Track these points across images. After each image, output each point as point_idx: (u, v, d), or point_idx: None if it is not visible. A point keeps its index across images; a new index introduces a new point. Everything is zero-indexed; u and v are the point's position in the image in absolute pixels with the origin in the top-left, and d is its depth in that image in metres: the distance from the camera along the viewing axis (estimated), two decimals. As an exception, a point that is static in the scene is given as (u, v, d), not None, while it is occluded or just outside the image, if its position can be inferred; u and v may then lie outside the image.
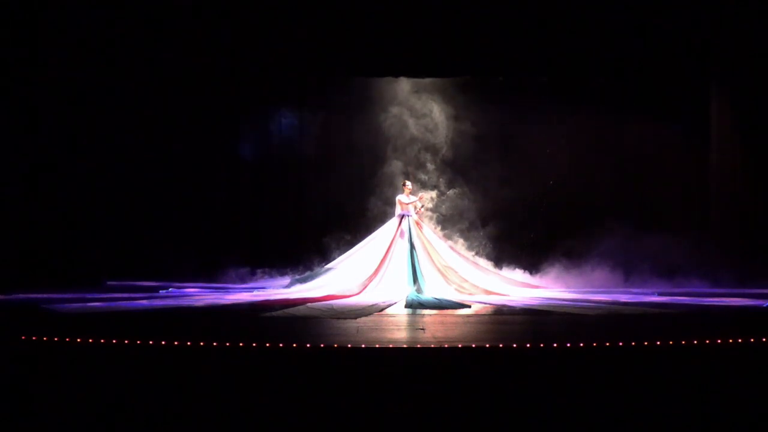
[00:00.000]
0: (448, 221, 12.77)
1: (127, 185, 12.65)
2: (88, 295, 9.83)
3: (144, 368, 5.37)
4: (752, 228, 12.58)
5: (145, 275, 12.23)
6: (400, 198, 11.36)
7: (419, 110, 13.03)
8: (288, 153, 13.49)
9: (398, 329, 6.99)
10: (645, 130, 13.23)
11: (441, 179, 12.95)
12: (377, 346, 5.63)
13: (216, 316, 8.25)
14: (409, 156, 13.07)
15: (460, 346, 5.60)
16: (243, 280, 12.34)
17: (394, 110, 12.99)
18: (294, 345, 5.51)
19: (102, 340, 5.66)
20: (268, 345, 5.49)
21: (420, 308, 8.89)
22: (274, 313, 8.23)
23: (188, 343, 5.52)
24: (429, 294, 10.12)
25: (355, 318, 7.73)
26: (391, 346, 5.67)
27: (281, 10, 11.87)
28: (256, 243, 13.18)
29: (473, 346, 5.60)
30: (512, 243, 12.98)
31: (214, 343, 5.50)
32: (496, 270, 12.12)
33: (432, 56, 12.31)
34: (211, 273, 12.36)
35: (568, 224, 12.81)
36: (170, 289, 11.12)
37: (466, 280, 10.92)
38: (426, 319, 7.81)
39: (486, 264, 12.16)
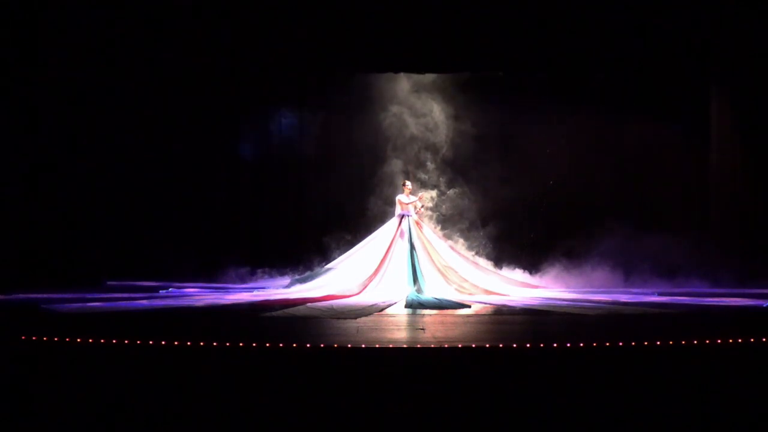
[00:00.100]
0: (448, 221, 12.76)
1: (127, 185, 12.65)
2: (88, 295, 9.83)
3: (144, 368, 5.37)
4: (752, 228, 12.58)
5: (145, 275, 12.23)
6: (400, 198, 11.36)
7: (419, 109, 13.03)
8: (288, 153, 13.49)
9: (398, 329, 6.99)
10: (645, 130, 13.23)
11: (441, 179, 12.95)
12: (377, 346, 5.63)
13: (216, 316, 8.25)
14: (409, 155, 13.07)
15: (460, 346, 5.60)
16: (243, 280, 12.34)
17: (394, 109, 12.98)
18: (294, 345, 5.51)
19: (102, 340, 5.66)
20: (268, 345, 5.49)
21: (420, 308, 8.89)
22: (274, 313, 8.23)
23: (188, 343, 5.52)
24: (429, 294, 10.12)
25: (355, 318, 7.73)
26: (391, 346, 5.67)
27: (281, 9, 11.87)
28: (256, 243, 13.18)
29: (473, 346, 5.59)
30: (512, 243, 12.98)
31: (214, 343, 5.49)
32: (496, 270, 12.12)
33: (432, 52, 12.30)
34: (211, 273, 12.36)
35: (568, 224, 12.81)
36: (170, 289, 11.12)
37: (466, 280, 10.92)
38: (426, 319, 7.81)
39: (486, 264, 12.16)
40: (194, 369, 5.34)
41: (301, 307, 8.78)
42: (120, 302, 9.17)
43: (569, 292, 11.24)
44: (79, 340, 5.70)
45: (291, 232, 13.20)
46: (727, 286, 11.45)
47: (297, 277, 11.81)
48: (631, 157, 13.33)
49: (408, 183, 11.55)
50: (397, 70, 12.95)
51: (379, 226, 11.53)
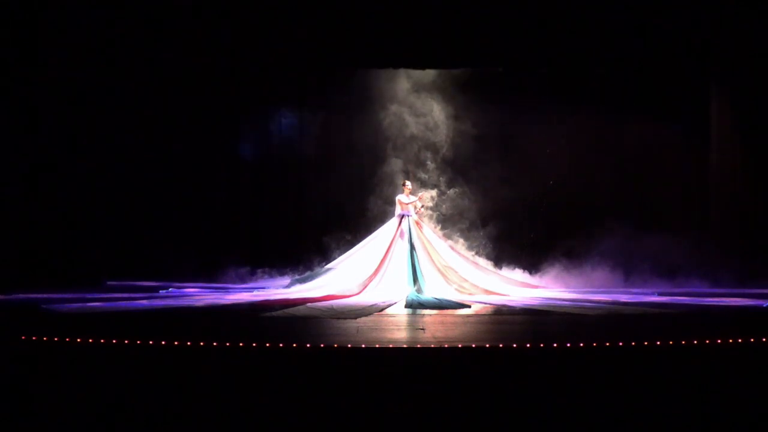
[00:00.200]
0: (448, 221, 12.76)
1: (127, 185, 12.65)
2: (88, 295, 9.83)
3: (144, 368, 5.37)
4: (752, 228, 12.57)
5: (145, 275, 12.23)
6: (400, 198, 11.36)
7: (419, 109, 13.03)
8: (288, 153, 13.49)
9: (398, 329, 6.99)
10: (645, 130, 13.23)
11: (441, 178, 12.95)
12: (377, 346, 5.63)
13: (216, 316, 8.25)
14: (409, 155, 13.07)
15: (460, 346, 5.60)
16: (243, 280, 12.35)
17: (394, 109, 12.99)
18: (294, 345, 5.51)
19: (102, 340, 5.66)
20: (268, 345, 5.49)
21: (420, 308, 8.89)
22: (274, 313, 8.23)
23: (188, 343, 5.52)
24: (429, 294, 10.11)
25: (355, 318, 7.73)
26: (391, 346, 5.67)
27: (281, 9, 11.87)
28: (256, 243, 13.18)
29: (473, 346, 5.59)
30: (512, 243, 12.98)
31: (214, 343, 5.49)
32: (496, 270, 12.12)
33: (432, 48, 12.29)
34: (211, 273, 12.36)
35: (568, 224, 12.81)
36: (170, 289, 11.12)
37: (466, 280, 10.91)
38: (426, 319, 7.81)
39: (486, 264, 12.16)
40: (194, 369, 5.34)
41: (301, 307, 8.78)
42: (120, 302, 9.17)
43: (569, 292, 11.24)
44: (79, 340, 5.70)
45: (291, 232, 13.20)
46: (727, 286, 11.46)
47: (297, 277, 11.81)
48: (631, 157, 13.33)
49: (408, 183, 11.55)
50: (396, 66, 12.92)
51: (379, 226, 11.52)
